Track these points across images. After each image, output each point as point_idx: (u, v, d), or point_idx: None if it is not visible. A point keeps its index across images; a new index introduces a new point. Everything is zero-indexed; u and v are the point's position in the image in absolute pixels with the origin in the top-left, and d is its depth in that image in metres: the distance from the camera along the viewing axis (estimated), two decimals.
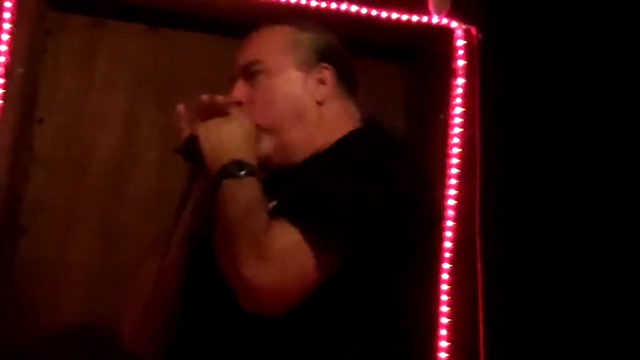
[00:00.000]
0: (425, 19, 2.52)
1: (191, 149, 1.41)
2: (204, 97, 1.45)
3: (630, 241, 2.46)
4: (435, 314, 2.30)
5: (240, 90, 1.51)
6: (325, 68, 1.52)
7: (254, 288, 1.26)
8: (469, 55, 2.49)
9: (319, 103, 1.49)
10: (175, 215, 1.52)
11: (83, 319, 2.37)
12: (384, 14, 2.49)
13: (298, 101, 1.49)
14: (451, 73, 2.50)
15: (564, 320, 2.42)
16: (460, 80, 2.49)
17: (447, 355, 2.30)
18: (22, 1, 2.33)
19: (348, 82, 1.56)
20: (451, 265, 2.36)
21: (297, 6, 2.44)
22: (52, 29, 2.51)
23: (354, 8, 2.47)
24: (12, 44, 2.30)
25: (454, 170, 2.42)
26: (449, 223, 2.39)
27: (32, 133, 2.46)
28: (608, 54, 2.56)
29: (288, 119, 1.48)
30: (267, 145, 1.46)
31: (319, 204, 1.30)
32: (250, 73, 1.50)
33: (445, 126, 2.48)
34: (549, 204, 2.50)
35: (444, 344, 2.30)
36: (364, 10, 2.48)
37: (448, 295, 2.34)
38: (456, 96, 2.48)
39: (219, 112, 1.42)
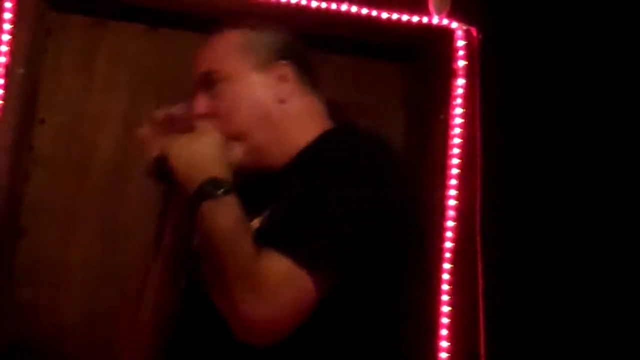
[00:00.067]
0: (425, 19, 2.52)
1: (162, 170, 1.37)
2: (161, 113, 1.43)
3: (630, 241, 2.46)
4: (436, 315, 2.31)
5: (201, 102, 1.47)
6: (284, 65, 1.48)
7: (249, 322, 1.23)
8: (469, 55, 2.49)
9: (282, 101, 1.46)
10: (156, 235, 1.50)
11: (83, 319, 2.37)
12: (384, 15, 2.49)
13: (260, 104, 1.45)
14: (451, 73, 2.50)
15: (565, 320, 2.42)
16: (460, 81, 2.49)
17: (447, 355, 2.30)
18: (23, 1, 2.33)
19: (309, 77, 1.52)
20: (452, 266, 2.36)
21: (298, 6, 2.44)
22: (52, 29, 2.51)
23: (354, 8, 2.47)
24: (12, 44, 2.30)
25: (455, 171, 2.43)
26: (450, 223, 2.40)
27: (33, 133, 2.46)
28: (608, 54, 2.56)
29: (253, 123, 1.44)
30: (237, 153, 1.42)
31: (307, 230, 1.25)
32: (208, 83, 1.47)
33: (445, 126, 2.48)
34: (549, 204, 2.50)
35: (444, 344, 2.30)
36: (364, 11, 2.48)
37: (448, 296, 2.34)
38: (456, 96, 2.49)
39: (184, 127, 1.40)
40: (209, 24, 2.51)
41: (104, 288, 2.37)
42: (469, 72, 2.49)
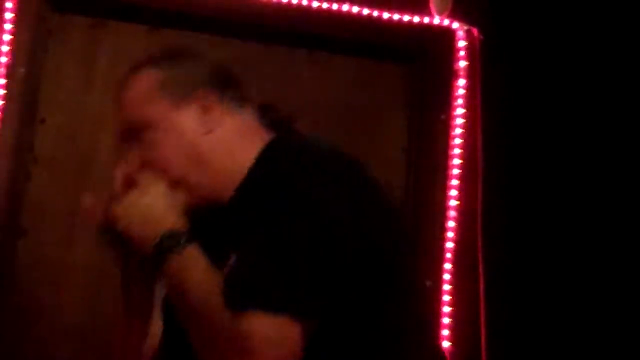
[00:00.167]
0: (426, 20, 2.52)
1: (114, 235, 1.32)
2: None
3: (630, 241, 2.46)
4: (437, 315, 2.30)
5: (133, 156, 1.42)
6: (204, 92, 1.41)
7: None
8: (470, 56, 2.50)
9: (210, 131, 1.39)
10: (123, 296, 1.49)
11: (84, 319, 2.37)
12: (385, 15, 2.50)
13: (187, 143, 1.39)
14: (452, 74, 2.51)
15: (565, 320, 2.42)
16: (461, 81, 2.50)
17: (448, 355, 2.29)
18: (24, 2, 2.33)
19: (235, 92, 1.45)
20: (452, 266, 2.36)
21: (298, 6, 2.44)
22: (53, 29, 2.51)
23: (355, 9, 2.47)
24: (13, 44, 2.31)
25: (456, 171, 2.43)
26: (451, 223, 2.40)
27: (33, 133, 2.45)
28: (609, 54, 2.56)
29: (186, 165, 1.38)
30: (181, 196, 1.37)
31: (279, 277, 1.19)
32: (133, 135, 1.42)
33: (446, 127, 2.49)
34: (550, 204, 2.50)
35: (446, 343, 2.30)
36: (365, 11, 2.48)
37: (450, 296, 2.34)
38: (457, 97, 2.49)
39: (125, 184, 1.38)
40: (209, 24, 2.55)
41: (105, 288, 2.36)
42: (470, 73, 2.49)
